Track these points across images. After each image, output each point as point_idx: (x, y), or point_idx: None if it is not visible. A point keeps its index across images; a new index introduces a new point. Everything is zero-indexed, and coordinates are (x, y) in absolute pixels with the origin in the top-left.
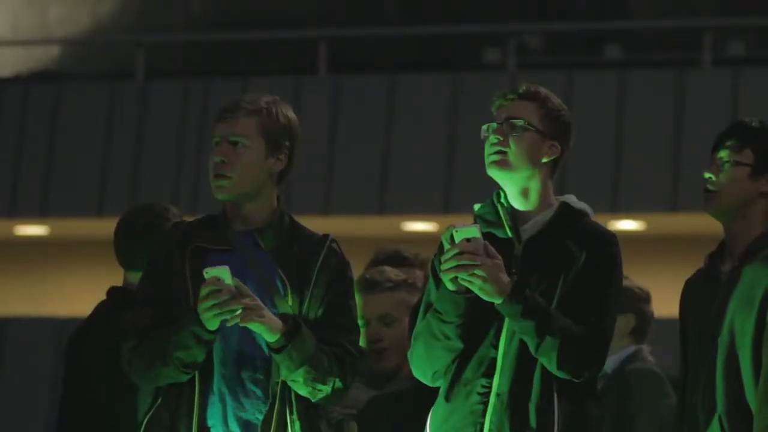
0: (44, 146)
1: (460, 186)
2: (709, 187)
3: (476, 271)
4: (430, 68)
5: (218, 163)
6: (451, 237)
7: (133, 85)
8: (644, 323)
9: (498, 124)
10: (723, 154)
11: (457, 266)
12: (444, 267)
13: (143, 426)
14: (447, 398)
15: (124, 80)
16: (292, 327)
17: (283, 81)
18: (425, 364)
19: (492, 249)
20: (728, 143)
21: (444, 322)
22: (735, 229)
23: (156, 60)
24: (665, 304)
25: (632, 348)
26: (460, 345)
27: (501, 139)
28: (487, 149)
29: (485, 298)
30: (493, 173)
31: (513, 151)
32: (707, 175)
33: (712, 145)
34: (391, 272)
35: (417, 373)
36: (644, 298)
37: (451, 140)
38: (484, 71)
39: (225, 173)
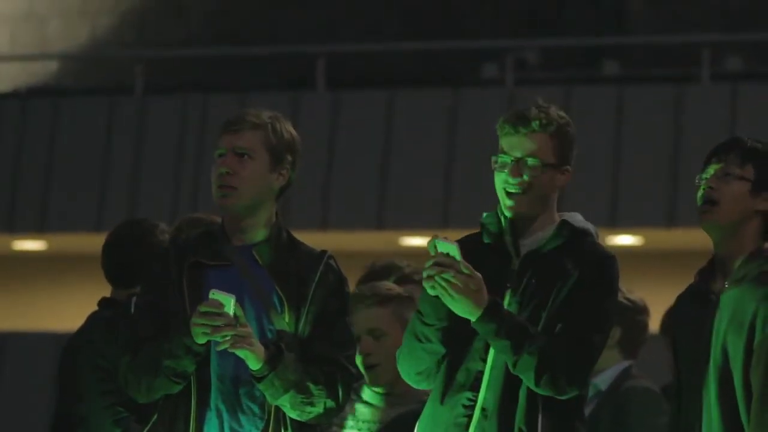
0: (42, 161)
1: (458, 201)
2: (712, 196)
3: (446, 287)
4: (429, 83)
5: (223, 174)
6: (434, 246)
7: (132, 100)
8: (632, 335)
9: (511, 160)
10: (723, 166)
11: (429, 276)
12: (423, 274)
13: None
14: (433, 408)
15: (122, 95)
16: (274, 354)
17: (281, 96)
18: (408, 364)
19: (469, 266)
20: (729, 156)
21: (425, 324)
22: (727, 246)
23: (155, 75)
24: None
25: (625, 364)
26: (441, 349)
27: (519, 180)
28: (501, 183)
29: (459, 313)
30: (507, 210)
31: (532, 192)
32: (707, 185)
33: (707, 157)
34: (384, 286)
35: (402, 372)
36: (631, 308)
37: (449, 155)
38: (483, 86)
39: (230, 184)
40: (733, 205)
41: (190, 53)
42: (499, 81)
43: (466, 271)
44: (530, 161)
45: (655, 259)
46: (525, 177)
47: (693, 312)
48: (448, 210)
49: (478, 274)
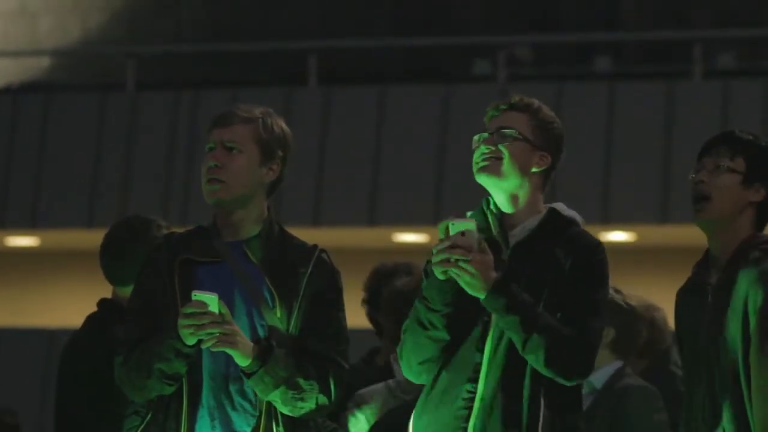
0: (34, 157)
1: (450, 197)
2: (704, 191)
3: (465, 266)
4: (421, 80)
5: (212, 167)
6: (447, 229)
7: (124, 96)
8: (627, 338)
9: (489, 133)
10: (715, 159)
11: (447, 260)
12: (435, 259)
13: None
14: (430, 401)
15: (114, 91)
16: (264, 350)
17: (273, 92)
18: (411, 355)
19: (485, 245)
20: (720, 149)
21: (431, 309)
22: (722, 239)
23: (146, 71)
24: None
25: (618, 364)
26: (446, 336)
27: (492, 148)
28: (476, 157)
29: (471, 293)
30: (482, 179)
31: (502, 159)
32: (698, 179)
33: (699, 153)
34: None
35: (403, 367)
36: (628, 312)
37: (441, 151)
38: (474, 83)
39: (218, 177)
40: (725, 199)
41: (181, 49)
42: (490, 77)
43: (483, 248)
44: (505, 131)
45: (648, 256)
46: (499, 147)
47: (690, 304)
48: (440, 206)
49: (490, 252)
